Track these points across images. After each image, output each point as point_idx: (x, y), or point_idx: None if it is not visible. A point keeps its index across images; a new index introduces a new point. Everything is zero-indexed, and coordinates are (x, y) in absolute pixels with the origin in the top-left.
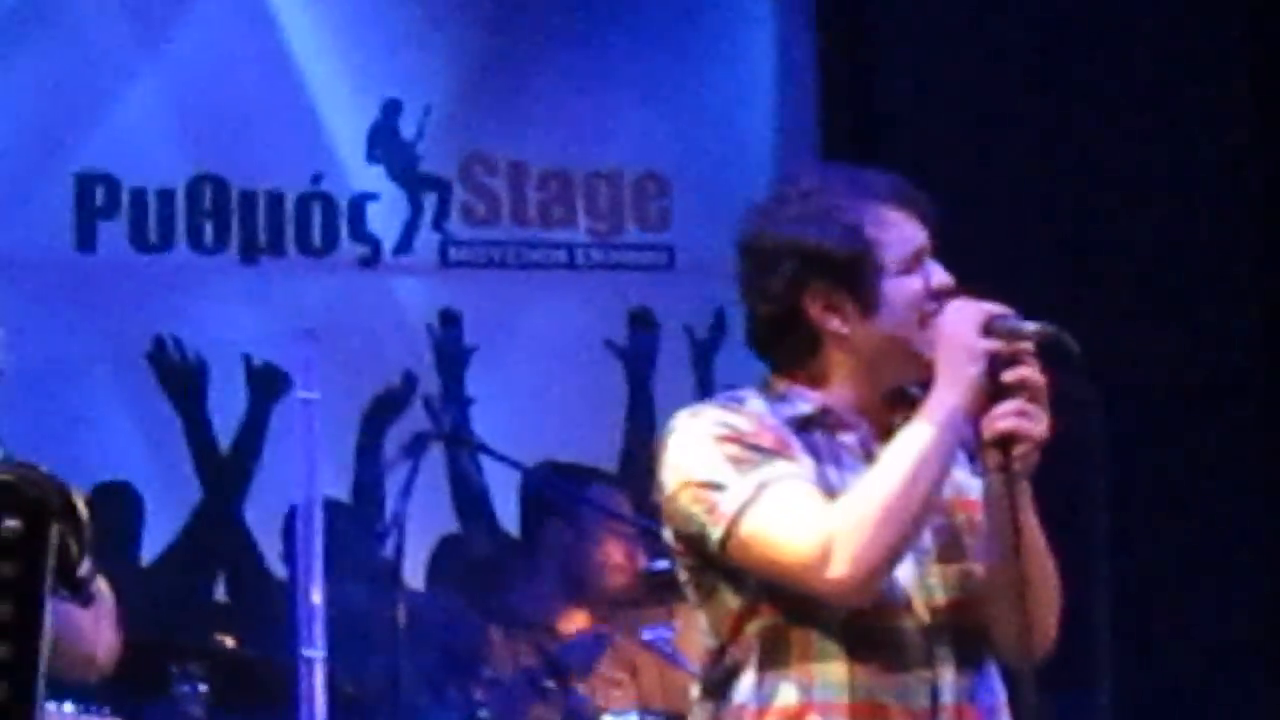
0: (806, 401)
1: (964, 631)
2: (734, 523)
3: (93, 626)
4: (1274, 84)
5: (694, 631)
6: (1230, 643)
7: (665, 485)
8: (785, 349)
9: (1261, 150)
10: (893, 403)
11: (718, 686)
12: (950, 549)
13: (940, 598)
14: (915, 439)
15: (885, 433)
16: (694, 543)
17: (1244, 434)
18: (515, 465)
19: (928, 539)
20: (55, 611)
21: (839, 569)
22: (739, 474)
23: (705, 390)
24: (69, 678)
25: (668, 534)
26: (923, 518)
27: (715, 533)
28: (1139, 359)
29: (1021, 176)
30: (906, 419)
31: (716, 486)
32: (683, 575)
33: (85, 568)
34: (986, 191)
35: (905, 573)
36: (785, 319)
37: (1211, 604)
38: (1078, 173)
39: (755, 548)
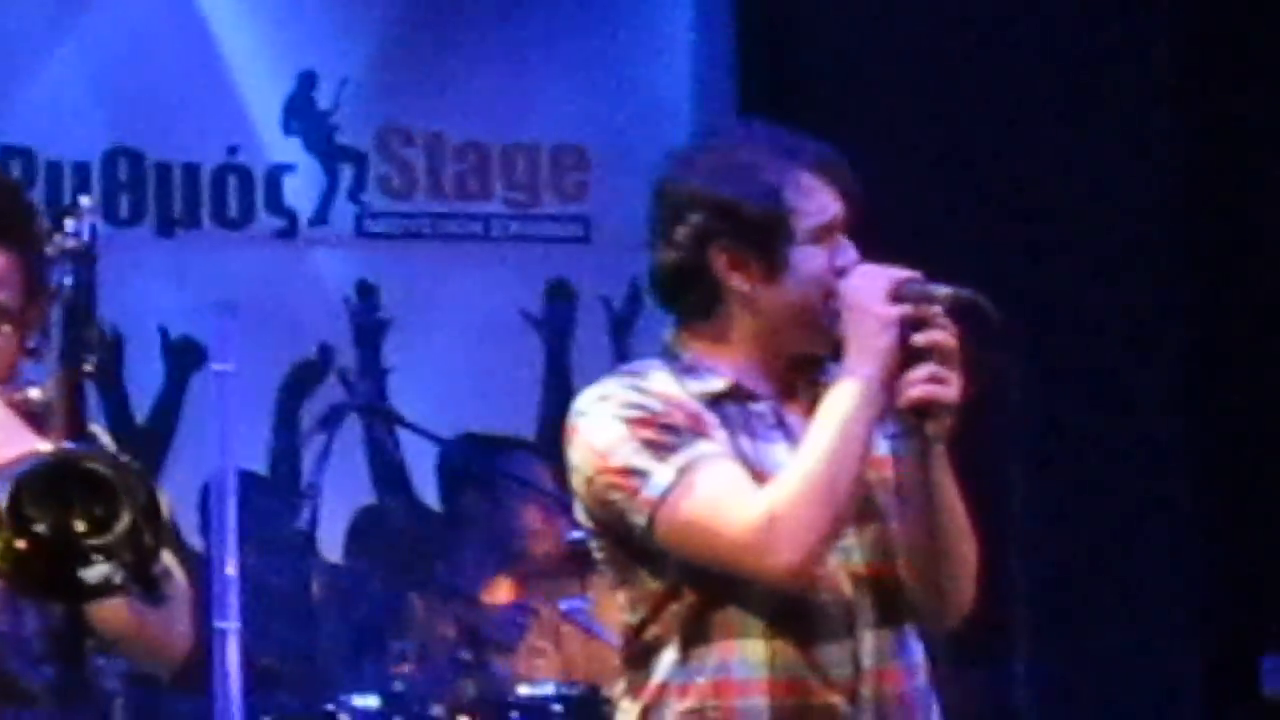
0: (717, 376)
1: (883, 593)
2: (660, 509)
3: (163, 618)
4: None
5: (611, 603)
6: (1148, 616)
7: (580, 469)
8: (687, 301)
9: (1182, 124)
10: (797, 366)
11: (639, 661)
12: (865, 511)
13: (858, 561)
14: (836, 416)
15: (792, 397)
16: (614, 527)
17: (1165, 409)
18: (432, 437)
19: None
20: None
21: (783, 555)
22: (658, 460)
23: (623, 361)
24: (142, 668)
25: (581, 514)
26: (855, 493)
27: (639, 519)
28: (1059, 330)
29: (941, 139)
30: (812, 382)
31: (637, 473)
32: (599, 554)
33: (160, 565)
34: (906, 159)
35: None
36: (689, 269)
37: (1129, 577)
38: (997, 136)
39: (689, 534)
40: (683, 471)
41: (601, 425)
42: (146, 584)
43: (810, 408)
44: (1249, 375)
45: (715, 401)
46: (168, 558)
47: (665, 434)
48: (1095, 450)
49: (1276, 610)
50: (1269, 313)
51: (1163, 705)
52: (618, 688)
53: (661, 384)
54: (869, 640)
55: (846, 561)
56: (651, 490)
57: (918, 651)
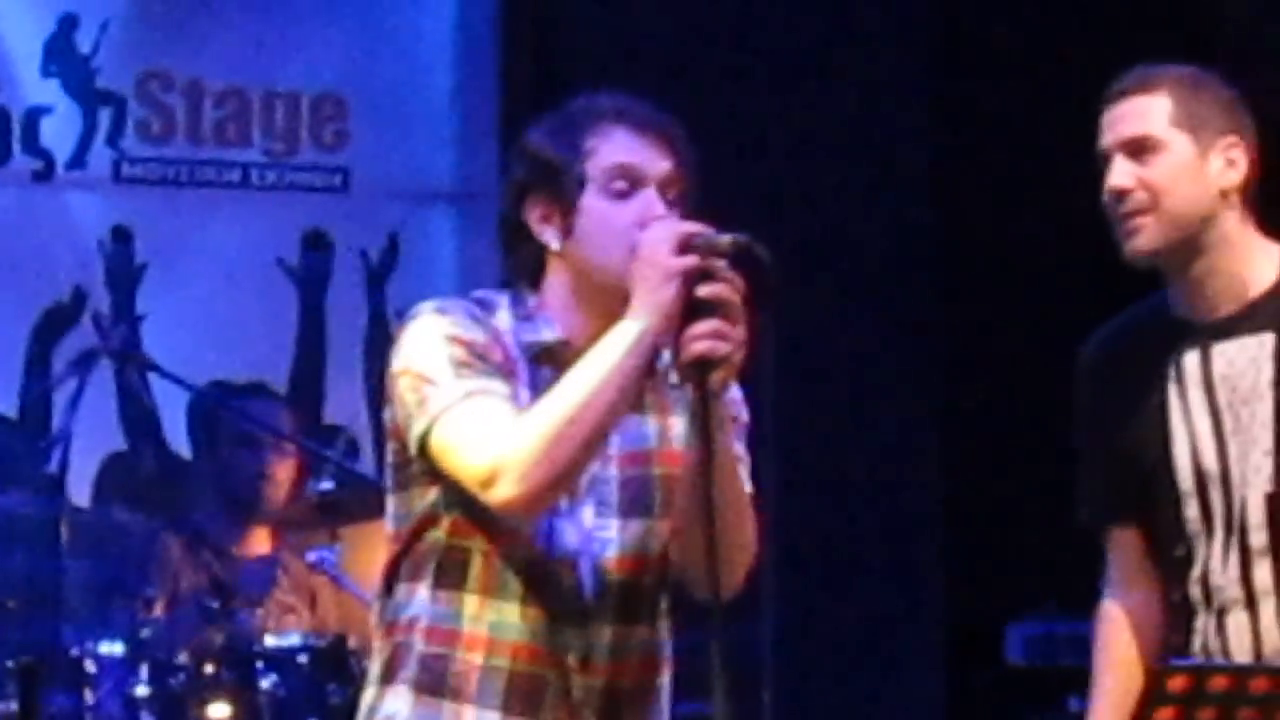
0: (551, 329)
1: (633, 589)
2: (435, 422)
3: None
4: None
5: (361, 552)
6: (895, 584)
7: (391, 366)
8: (516, 262)
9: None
10: None
11: (393, 587)
12: (637, 504)
13: (613, 554)
14: (597, 362)
15: None
16: (400, 429)
17: (918, 382)
18: (183, 384)
19: (614, 492)
20: None
21: (506, 488)
22: (455, 376)
23: (377, 314)
24: None
25: (387, 413)
26: (597, 441)
27: (418, 427)
28: (816, 311)
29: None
30: None
31: (431, 382)
32: (390, 457)
33: None
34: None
35: (581, 524)
36: (512, 228)
37: (877, 545)
38: (761, 117)
39: (444, 454)
40: (468, 395)
41: (424, 331)
42: None
43: None
44: (998, 346)
45: (538, 359)
46: None
47: (474, 359)
48: (846, 417)
49: (1020, 581)
50: (1021, 297)
51: (909, 672)
52: (374, 617)
53: (501, 321)
54: (607, 634)
55: (601, 553)
56: (435, 403)
57: (662, 650)
